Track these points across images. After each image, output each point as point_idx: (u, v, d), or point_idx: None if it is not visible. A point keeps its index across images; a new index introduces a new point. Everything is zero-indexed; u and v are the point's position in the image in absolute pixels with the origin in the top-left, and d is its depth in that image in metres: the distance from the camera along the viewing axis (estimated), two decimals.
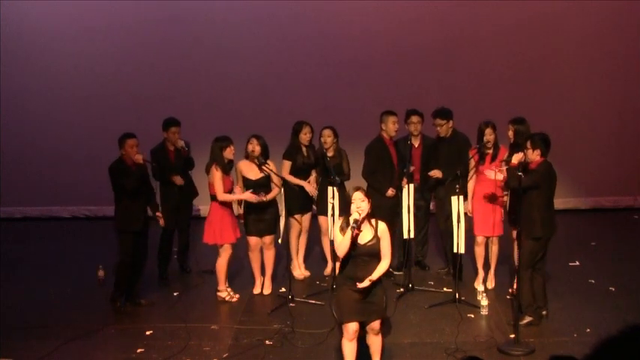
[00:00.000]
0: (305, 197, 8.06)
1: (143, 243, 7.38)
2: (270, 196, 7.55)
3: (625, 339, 2.27)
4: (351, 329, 5.49)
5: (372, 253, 5.40)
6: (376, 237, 5.42)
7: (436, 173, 7.79)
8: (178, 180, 8.17)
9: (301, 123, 8.03)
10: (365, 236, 5.42)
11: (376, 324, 5.55)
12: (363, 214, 5.35)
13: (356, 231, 5.31)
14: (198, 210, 9.91)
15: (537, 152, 6.54)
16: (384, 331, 5.88)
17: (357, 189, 5.45)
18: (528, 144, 6.59)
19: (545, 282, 6.90)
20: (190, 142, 8.41)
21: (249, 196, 7.42)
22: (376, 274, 5.38)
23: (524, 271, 6.48)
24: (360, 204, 5.34)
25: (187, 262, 8.57)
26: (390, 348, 6.14)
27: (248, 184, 7.56)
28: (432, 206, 8.56)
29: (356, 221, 5.29)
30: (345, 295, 5.45)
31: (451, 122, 7.87)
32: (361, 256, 5.38)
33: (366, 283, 5.33)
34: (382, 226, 5.48)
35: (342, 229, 5.39)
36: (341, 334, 5.62)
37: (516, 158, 6.60)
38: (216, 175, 7.35)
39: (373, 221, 5.47)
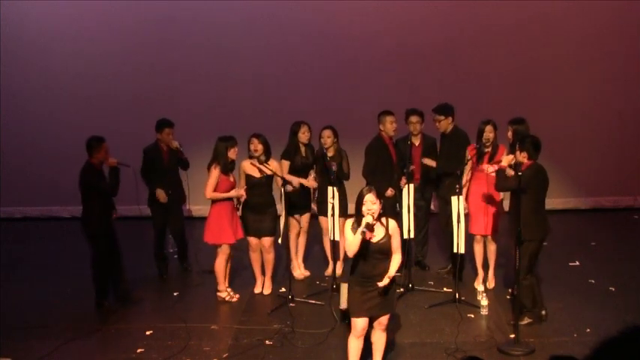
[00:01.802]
0: (304, 197, 8.06)
1: (113, 243, 7.43)
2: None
3: (625, 339, 2.27)
4: (360, 326, 5.51)
5: (383, 251, 5.42)
6: (387, 235, 5.44)
7: (428, 161, 7.84)
8: (162, 196, 8.12)
9: (299, 123, 8.04)
10: (377, 234, 5.43)
11: (384, 319, 5.59)
12: (375, 217, 5.38)
13: (369, 234, 5.33)
14: (190, 210, 9.92)
15: (524, 155, 6.53)
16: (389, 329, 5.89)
17: (369, 191, 5.45)
18: (517, 146, 6.62)
19: (539, 283, 6.88)
20: (183, 144, 8.35)
21: (238, 193, 7.43)
22: (392, 269, 5.43)
23: (522, 275, 6.46)
24: (371, 206, 5.36)
25: (187, 261, 8.58)
26: (390, 348, 6.14)
27: (252, 182, 7.57)
28: (432, 206, 8.57)
29: (368, 225, 5.31)
30: (357, 292, 5.48)
31: (450, 118, 7.89)
32: (374, 254, 5.41)
33: (385, 281, 5.37)
34: (393, 224, 5.52)
35: (355, 229, 5.40)
36: (345, 332, 5.62)
37: (506, 160, 6.63)
38: (213, 173, 7.36)
39: (384, 220, 5.49)
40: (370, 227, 5.33)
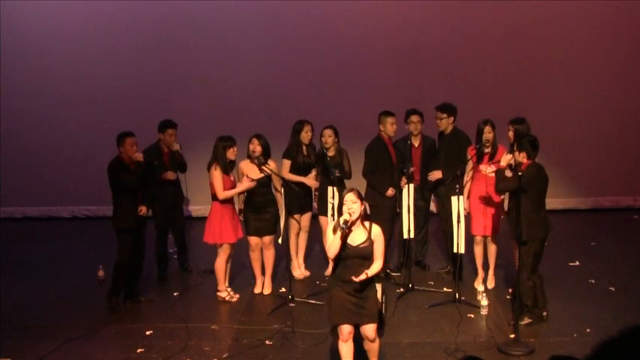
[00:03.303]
0: (305, 197, 8.07)
1: (140, 241, 7.42)
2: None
3: (625, 339, 2.27)
4: (345, 331, 5.47)
5: (364, 256, 5.34)
6: (369, 239, 5.37)
7: (435, 174, 7.83)
8: (170, 175, 8.13)
9: (302, 122, 8.05)
10: (357, 238, 5.38)
11: (370, 331, 5.47)
12: (354, 216, 5.33)
13: (346, 230, 5.30)
14: (189, 210, 9.89)
15: (523, 155, 6.53)
16: (384, 331, 5.87)
17: (350, 190, 5.42)
18: (516, 146, 6.62)
19: (543, 282, 6.88)
20: (183, 145, 8.34)
21: (248, 184, 7.43)
22: (372, 270, 5.34)
23: (523, 274, 6.46)
24: (351, 205, 5.31)
25: (187, 261, 8.58)
26: (390, 348, 6.14)
27: None
28: (432, 206, 8.56)
29: (346, 222, 5.27)
30: (337, 297, 5.42)
31: (452, 118, 7.89)
32: (353, 258, 5.34)
33: (362, 276, 5.27)
34: (376, 230, 5.43)
35: (335, 230, 5.36)
36: (337, 336, 5.61)
37: (505, 160, 6.63)
38: (215, 174, 7.37)
39: (367, 224, 5.42)
40: (347, 223, 5.27)
